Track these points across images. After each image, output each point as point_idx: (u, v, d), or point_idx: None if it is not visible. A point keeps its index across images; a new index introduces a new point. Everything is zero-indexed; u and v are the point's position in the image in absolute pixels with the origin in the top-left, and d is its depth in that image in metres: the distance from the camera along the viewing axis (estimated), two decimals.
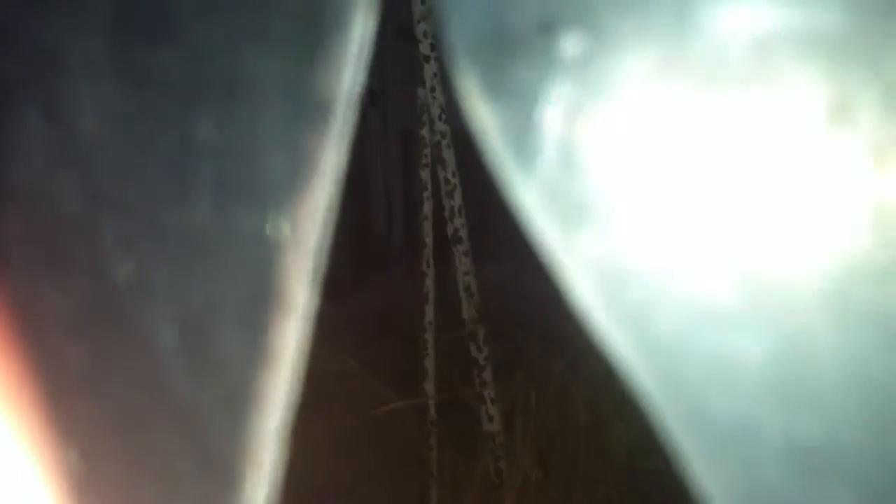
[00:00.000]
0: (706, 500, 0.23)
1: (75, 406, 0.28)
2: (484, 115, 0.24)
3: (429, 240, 1.87)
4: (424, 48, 1.75)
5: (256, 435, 0.27)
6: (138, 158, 0.27)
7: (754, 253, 0.23)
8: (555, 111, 0.23)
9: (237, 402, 0.27)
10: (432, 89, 1.74)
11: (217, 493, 0.27)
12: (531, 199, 0.24)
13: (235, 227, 0.26)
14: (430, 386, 1.81)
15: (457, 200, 1.81)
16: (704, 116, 0.22)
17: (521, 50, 0.23)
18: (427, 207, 1.90)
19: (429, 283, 1.87)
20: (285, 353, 0.26)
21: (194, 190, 0.27)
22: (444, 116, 1.75)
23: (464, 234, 1.79)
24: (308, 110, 0.26)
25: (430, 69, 1.76)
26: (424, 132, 1.79)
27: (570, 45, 0.22)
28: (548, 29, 0.22)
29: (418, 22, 1.73)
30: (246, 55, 0.26)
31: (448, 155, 1.75)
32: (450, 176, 1.78)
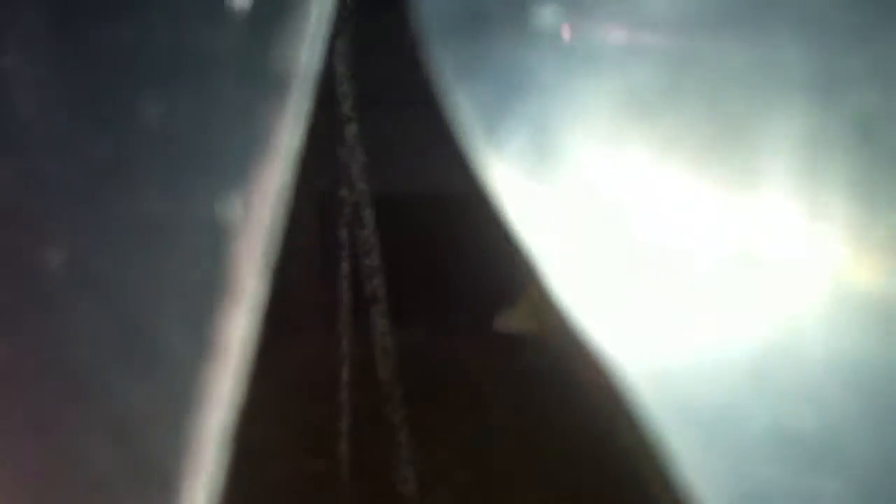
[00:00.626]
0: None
1: None
2: (458, 96, 0.23)
3: (346, 300, 1.85)
4: (346, 108, 1.76)
5: (196, 437, 0.25)
6: (79, 137, 0.25)
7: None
8: (529, 89, 0.23)
9: (177, 402, 0.25)
10: (352, 149, 1.75)
11: (151, 500, 0.25)
12: (501, 179, 0.23)
13: (183, 211, 0.25)
14: (344, 447, 1.76)
15: (374, 260, 1.80)
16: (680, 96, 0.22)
17: (495, 27, 0.23)
18: (345, 267, 1.88)
19: (345, 344, 1.83)
20: (232, 348, 0.25)
21: (139, 172, 0.25)
22: (364, 177, 1.76)
23: (381, 294, 1.78)
24: (263, 88, 0.25)
25: (351, 129, 1.77)
26: (344, 192, 1.79)
27: (546, 17, 0.22)
28: (522, 3, 0.22)
29: (340, 83, 1.74)
30: (197, 29, 0.25)
31: (367, 215, 1.75)
32: (368, 236, 1.78)
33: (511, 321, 0.80)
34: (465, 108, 0.22)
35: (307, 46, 0.25)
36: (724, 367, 0.22)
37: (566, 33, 0.21)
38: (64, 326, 0.25)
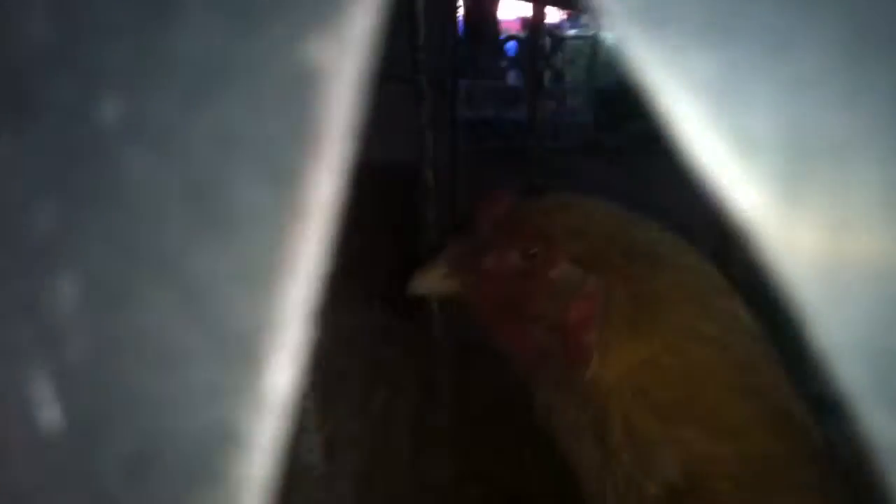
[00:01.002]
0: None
1: (38, 277, 0.23)
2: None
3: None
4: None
5: (280, 309, 0.23)
6: None
7: None
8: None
9: (257, 269, 0.23)
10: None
11: (231, 378, 0.23)
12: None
13: (260, 52, 0.22)
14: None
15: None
16: None
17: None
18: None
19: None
20: (318, 207, 0.22)
21: (204, 3, 0.22)
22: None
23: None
24: None
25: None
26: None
27: None
28: None
29: None
30: None
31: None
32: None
33: (420, 286, 0.80)
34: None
35: None
36: None
37: None
38: (123, 186, 0.22)
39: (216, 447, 0.22)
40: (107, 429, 0.22)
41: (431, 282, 0.79)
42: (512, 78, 10.19)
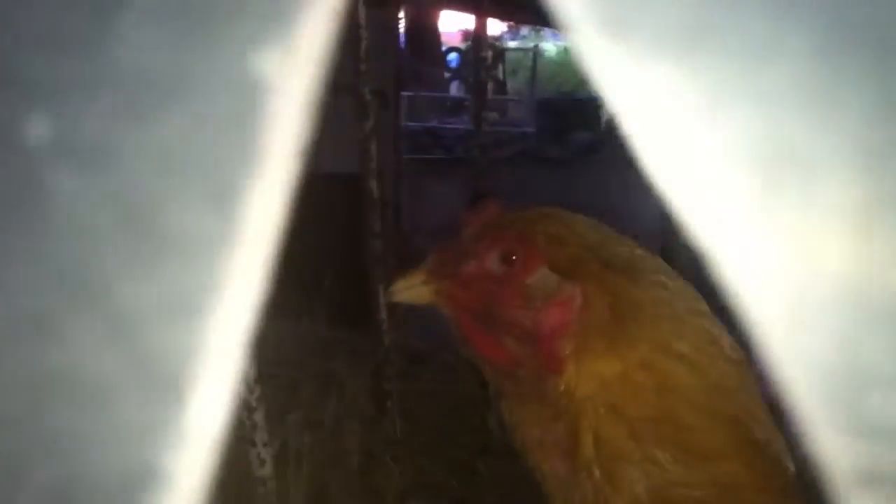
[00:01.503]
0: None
1: None
2: None
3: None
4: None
5: (213, 339, 0.21)
6: None
7: None
8: None
9: (190, 297, 0.21)
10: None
11: (157, 414, 0.21)
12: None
13: (206, 63, 0.21)
14: None
15: None
16: None
17: None
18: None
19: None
20: (259, 230, 0.21)
21: (146, 14, 0.21)
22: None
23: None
24: None
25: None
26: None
27: None
28: None
29: None
30: None
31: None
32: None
33: (398, 294, 0.79)
34: None
35: None
36: None
37: None
38: (50, 207, 0.20)
39: (140, 486, 0.20)
40: (23, 468, 0.21)
41: (409, 290, 0.77)
42: (454, 89, 10.27)
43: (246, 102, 0.20)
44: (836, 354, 0.20)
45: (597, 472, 0.68)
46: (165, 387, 0.21)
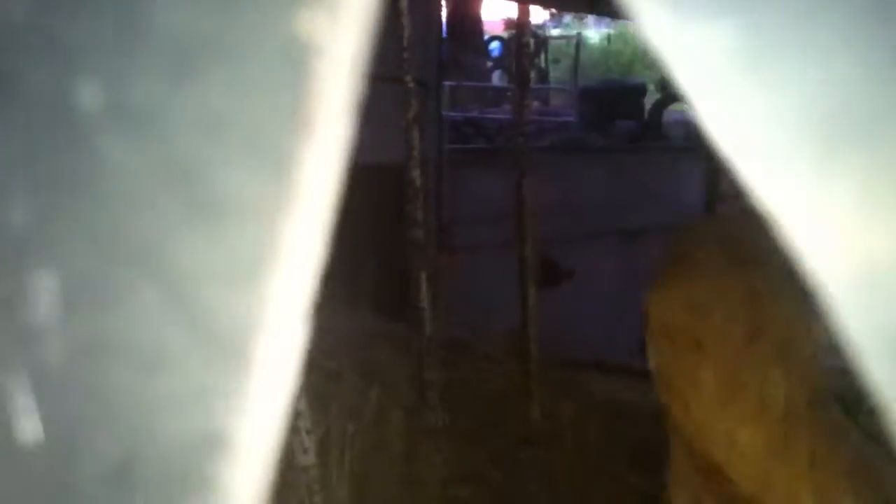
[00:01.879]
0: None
1: (10, 274, 0.21)
2: None
3: None
4: None
5: (272, 306, 0.21)
6: None
7: None
8: None
9: (245, 261, 0.21)
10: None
11: (220, 380, 0.21)
12: None
13: (251, 26, 0.20)
14: None
15: None
16: None
17: None
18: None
19: None
20: (312, 194, 0.21)
21: None
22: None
23: None
24: None
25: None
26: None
27: None
28: None
29: None
30: None
31: None
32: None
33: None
34: None
35: None
36: None
37: None
38: (101, 174, 0.20)
39: (204, 453, 0.20)
40: (86, 436, 0.21)
41: None
42: (496, 78, 10.23)
43: (292, 64, 0.20)
44: None
45: None
46: (227, 352, 0.21)
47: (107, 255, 0.21)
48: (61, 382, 0.21)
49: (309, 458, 1.61)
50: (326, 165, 0.21)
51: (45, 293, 0.21)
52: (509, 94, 8.87)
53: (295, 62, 0.20)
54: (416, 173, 2.06)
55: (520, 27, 2.40)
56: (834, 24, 0.19)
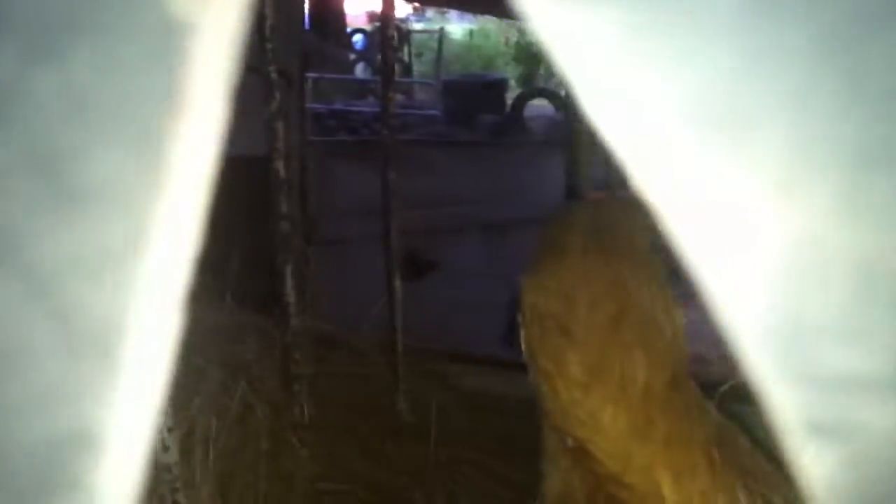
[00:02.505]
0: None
1: None
2: None
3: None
4: None
5: (142, 297, 0.20)
6: None
7: None
8: None
9: (113, 252, 0.20)
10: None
11: (84, 376, 0.20)
12: None
13: (121, 2, 0.19)
14: None
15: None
16: None
17: None
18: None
19: None
20: (186, 177, 0.20)
21: None
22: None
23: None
24: None
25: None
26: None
27: None
28: None
29: None
30: None
31: None
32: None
33: None
34: None
35: None
36: None
37: None
38: None
39: (70, 452, 0.19)
40: None
41: None
42: (359, 71, 10.16)
43: (164, 43, 0.19)
44: (784, 307, 0.20)
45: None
46: (94, 348, 0.20)
47: None
48: None
49: (171, 457, 1.55)
50: (200, 149, 0.20)
51: None
52: (373, 86, 8.84)
53: (168, 41, 0.19)
54: (280, 165, 2.02)
55: (384, 19, 2.40)
56: (715, 10, 0.19)
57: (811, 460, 0.20)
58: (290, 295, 2.03)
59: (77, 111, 0.19)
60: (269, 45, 1.98)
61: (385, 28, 2.42)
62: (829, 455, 0.20)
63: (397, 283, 2.24)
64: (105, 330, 0.20)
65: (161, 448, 1.54)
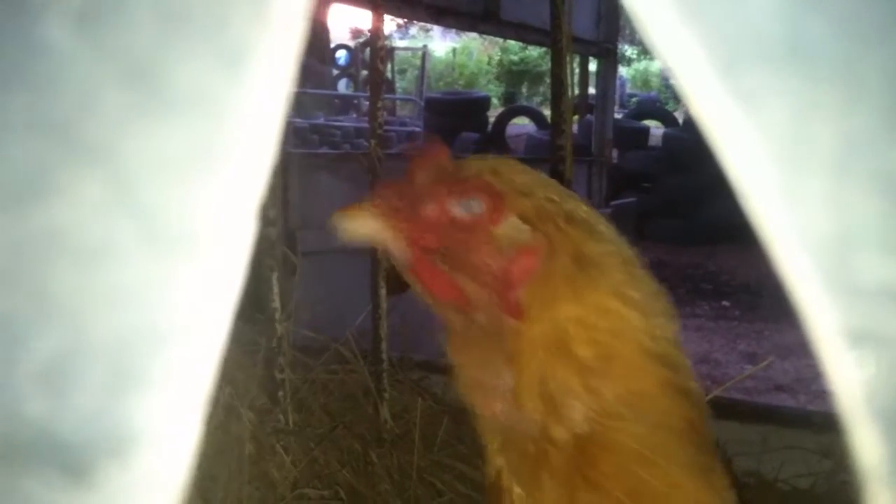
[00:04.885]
0: None
1: None
2: None
3: None
4: None
5: (222, 200, 0.21)
6: None
7: None
8: None
9: (194, 158, 0.21)
10: None
11: (159, 275, 0.21)
12: None
13: None
14: None
15: None
16: None
17: None
18: None
19: None
20: (266, 90, 0.21)
21: None
22: None
23: None
24: None
25: None
26: None
27: None
28: None
29: None
30: None
31: None
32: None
33: (346, 227, 0.79)
34: None
35: None
36: None
37: None
38: (50, 66, 0.20)
39: (143, 349, 0.20)
40: (23, 332, 0.20)
41: (359, 223, 0.77)
42: (342, 86, 10.18)
43: None
44: (827, 219, 0.21)
45: (541, 406, 0.72)
46: (172, 247, 0.21)
47: (53, 149, 0.20)
48: (2, 274, 0.20)
49: None
50: (281, 61, 0.21)
51: None
52: (355, 101, 8.84)
53: None
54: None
55: (374, 32, 2.42)
56: None
57: (851, 368, 0.21)
58: (276, 301, 2.03)
59: (167, 25, 0.20)
60: None
61: (375, 40, 2.44)
62: (868, 363, 0.21)
63: (382, 292, 2.24)
64: (186, 231, 0.21)
65: None
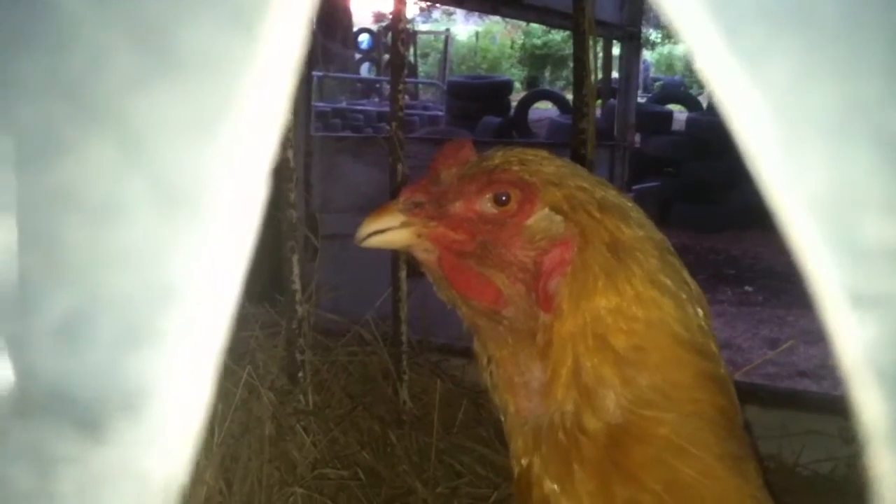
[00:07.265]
0: None
1: None
2: None
3: None
4: None
5: (232, 160, 0.22)
6: None
7: None
8: None
9: (204, 118, 0.21)
10: None
11: (170, 234, 0.21)
12: None
13: None
14: None
15: None
16: None
17: None
18: None
19: None
20: (275, 51, 0.22)
21: None
22: None
23: None
24: None
25: None
26: None
27: None
28: None
29: None
30: None
31: None
32: None
33: (373, 238, 0.78)
34: None
35: None
36: None
37: None
38: (61, 25, 0.20)
39: (156, 306, 0.21)
40: (37, 290, 0.20)
41: (386, 233, 0.76)
42: (364, 70, 10.18)
43: None
44: (829, 180, 0.21)
45: (574, 396, 0.71)
46: (183, 206, 0.21)
47: (65, 108, 0.21)
48: (11, 235, 0.21)
49: None
50: (289, 25, 0.21)
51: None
52: (378, 85, 8.83)
53: None
54: (290, 153, 2.03)
55: (396, 15, 2.42)
56: None
57: (853, 328, 0.21)
58: (296, 283, 2.04)
59: None
60: None
61: (396, 22, 2.44)
62: (870, 323, 0.21)
63: (402, 275, 2.25)
64: (194, 190, 0.21)
65: None
